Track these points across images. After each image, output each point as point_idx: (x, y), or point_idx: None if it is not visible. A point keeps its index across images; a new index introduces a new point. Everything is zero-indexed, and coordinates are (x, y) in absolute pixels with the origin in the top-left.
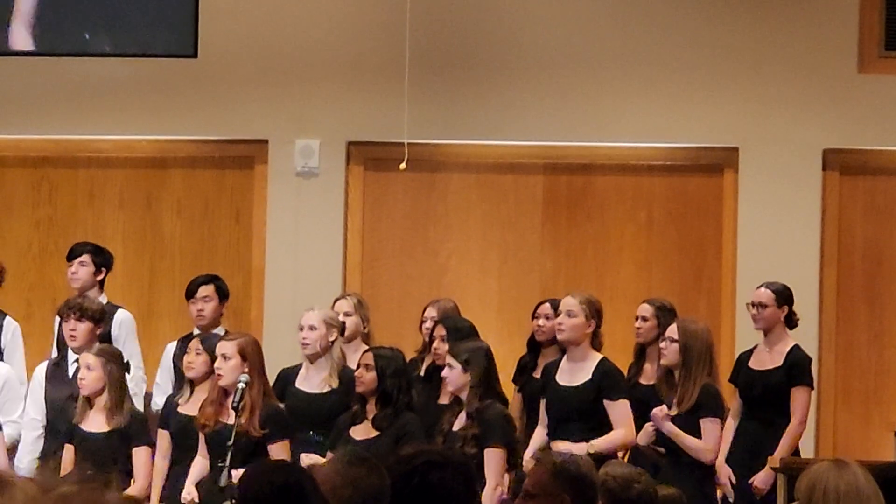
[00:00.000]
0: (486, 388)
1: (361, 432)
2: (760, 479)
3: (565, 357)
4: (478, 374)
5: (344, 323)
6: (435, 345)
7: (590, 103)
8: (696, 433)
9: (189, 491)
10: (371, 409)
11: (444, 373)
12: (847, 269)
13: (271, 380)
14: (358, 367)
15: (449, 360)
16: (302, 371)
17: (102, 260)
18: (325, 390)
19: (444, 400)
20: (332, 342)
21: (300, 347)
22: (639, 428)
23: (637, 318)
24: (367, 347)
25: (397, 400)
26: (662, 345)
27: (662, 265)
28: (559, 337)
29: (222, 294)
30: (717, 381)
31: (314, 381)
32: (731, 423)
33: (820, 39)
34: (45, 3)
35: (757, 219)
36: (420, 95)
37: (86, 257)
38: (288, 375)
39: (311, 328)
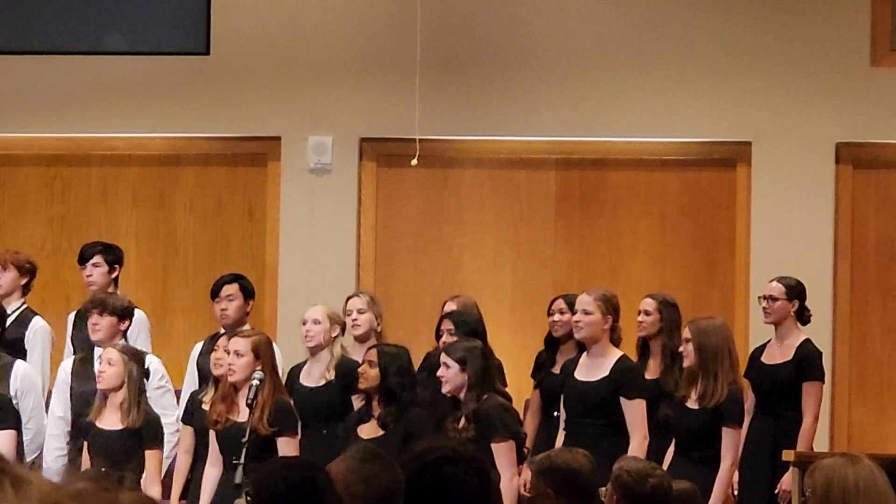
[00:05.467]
0: (483, 386)
1: (368, 431)
2: (788, 482)
3: (585, 353)
4: (475, 372)
5: (344, 322)
6: (443, 339)
7: (602, 98)
8: (714, 432)
9: None
10: (376, 407)
11: (440, 372)
12: (860, 263)
13: (282, 377)
14: (362, 362)
15: (444, 359)
16: (305, 367)
17: (114, 257)
18: (321, 383)
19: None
20: (335, 338)
21: (303, 341)
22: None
23: (640, 313)
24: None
25: (401, 397)
26: (681, 348)
27: (676, 260)
28: (577, 335)
29: (247, 292)
30: (739, 374)
31: (314, 375)
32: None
33: (832, 33)
34: (58, 1)
35: (770, 213)
36: (432, 91)
37: (97, 258)
38: (294, 372)
39: (316, 322)
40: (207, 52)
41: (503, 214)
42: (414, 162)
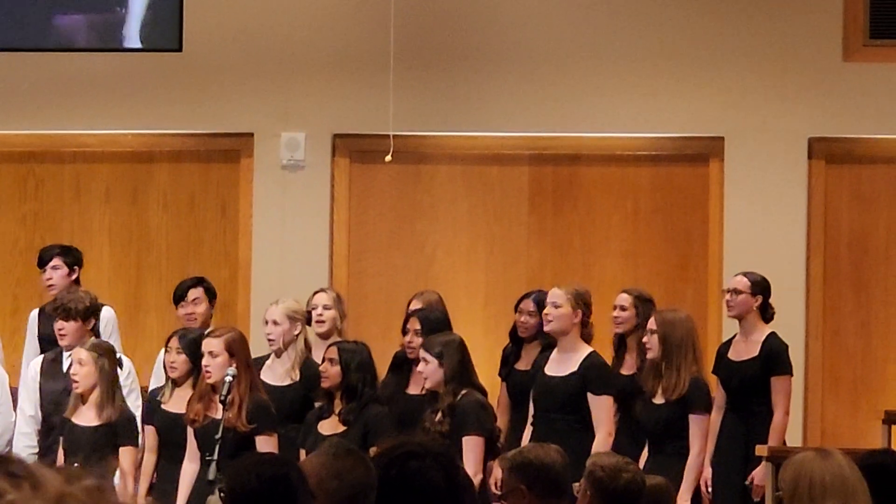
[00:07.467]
0: (461, 380)
1: (329, 427)
2: (760, 477)
3: (556, 348)
4: (452, 367)
5: (310, 313)
6: (408, 338)
7: (575, 94)
8: (683, 423)
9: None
10: (338, 403)
11: (420, 367)
12: (833, 257)
13: None
14: (323, 361)
15: (423, 354)
16: (268, 362)
17: (73, 259)
18: (286, 383)
19: (412, 390)
20: (297, 335)
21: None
22: (622, 419)
23: (615, 308)
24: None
25: (362, 393)
26: (645, 339)
27: (649, 255)
28: (546, 328)
29: (211, 295)
30: (702, 367)
31: (277, 372)
32: (715, 417)
33: (805, 28)
34: None
35: (743, 208)
36: (405, 87)
37: (56, 261)
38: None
39: (275, 323)
40: (180, 49)
41: (476, 210)
42: (388, 158)
